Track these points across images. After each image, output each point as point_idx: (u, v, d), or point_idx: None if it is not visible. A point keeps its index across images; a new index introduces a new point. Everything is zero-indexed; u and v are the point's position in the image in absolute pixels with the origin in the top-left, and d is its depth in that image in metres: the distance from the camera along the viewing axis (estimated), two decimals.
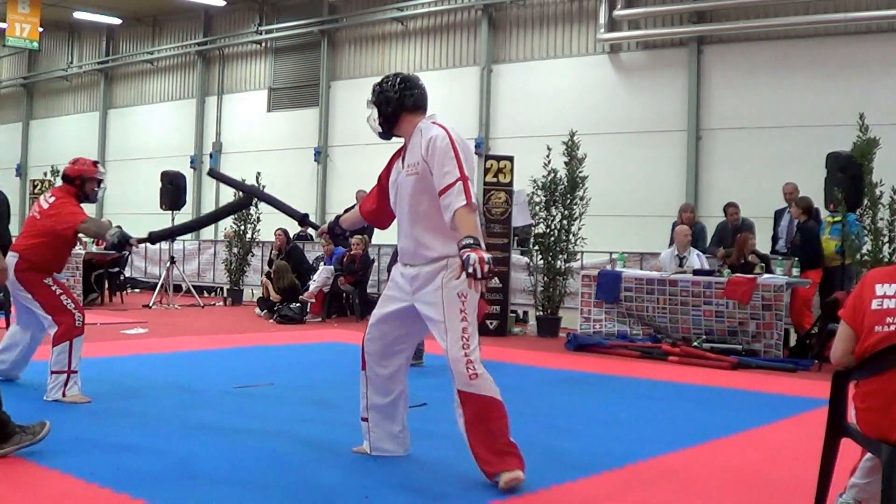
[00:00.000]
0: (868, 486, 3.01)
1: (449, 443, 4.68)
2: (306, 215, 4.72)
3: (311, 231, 4.34)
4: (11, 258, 5.44)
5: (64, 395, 5.29)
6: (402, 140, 4.09)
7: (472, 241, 3.52)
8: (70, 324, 5.37)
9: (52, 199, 5.54)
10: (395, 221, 4.11)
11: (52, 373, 5.31)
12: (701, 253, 9.91)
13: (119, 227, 6.65)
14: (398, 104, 3.97)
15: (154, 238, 5.63)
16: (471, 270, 3.45)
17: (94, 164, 5.72)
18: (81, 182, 5.58)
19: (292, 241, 12.65)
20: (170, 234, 6.10)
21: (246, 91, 20.01)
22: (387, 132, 4.06)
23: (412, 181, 3.83)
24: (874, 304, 2.96)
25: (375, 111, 4.05)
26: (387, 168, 4.10)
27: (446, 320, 3.73)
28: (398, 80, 4.02)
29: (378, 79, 4.23)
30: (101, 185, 5.72)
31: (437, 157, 3.72)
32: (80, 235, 7.08)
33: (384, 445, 4.17)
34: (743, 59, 13.53)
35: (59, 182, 5.78)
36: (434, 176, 3.72)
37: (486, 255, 3.48)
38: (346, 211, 4.97)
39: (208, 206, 20.50)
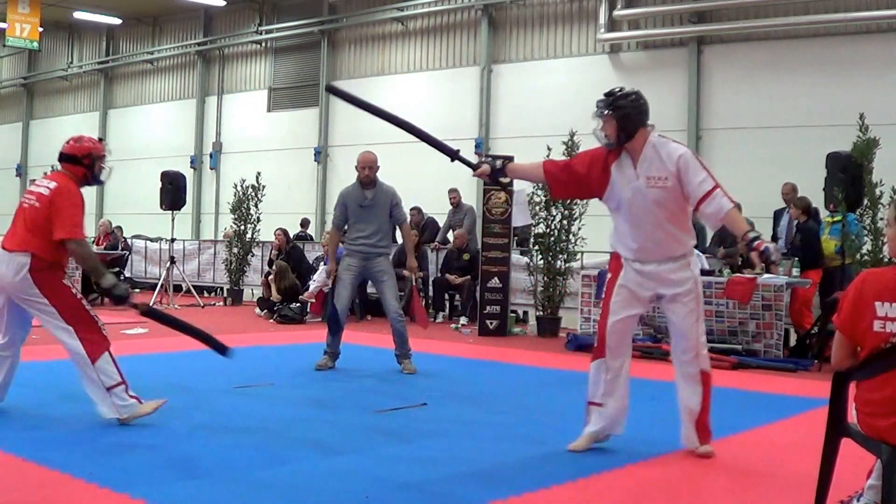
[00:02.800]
0: None
1: (449, 443, 4.68)
2: (457, 151, 4.75)
3: (465, 167, 4.32)
4: (22, 257, 4.66)
5: (140, 401, 4.81)
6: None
7: (757, 234, 4.26)
8: (99, 334, 4.77)
9: (53, 184, 4.77)
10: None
11: (109, 389, 4.69)
12: (701, 253, 9.90)
13: (116, 276, 5.86)
14: (639, 120, 4.37)
15: (150, 314, 4.97)
16: (774, 258, 4.16)
17: (100, 140, 5.09)
18: (91, 161, 4.92)
19: (292, 241, 12.65)
20: (169, 322, 5.13)
21: (246, 91, 20.01)
22: (620, 143, 4.39)
23: (658, 193, 4.33)
24: (876, 326, 2.93)
25: (608, 123, 4.37)
26: (607, 163, 4.43)
27: (697, 308, 4.50)
28: (636, 96, 4.41)
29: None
30: (108, 165, 5.09)
31: (690, 171, 4.28)
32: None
33: (615, 429, 4.56)
34: (743, 59, 13.53)
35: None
36: (690, 186, 4.28)
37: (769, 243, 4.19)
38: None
39: (208, 206, 20.52)
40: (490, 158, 4.75)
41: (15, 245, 4.71)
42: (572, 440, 4.56)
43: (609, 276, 4.61)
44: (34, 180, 5.18)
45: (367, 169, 7.31)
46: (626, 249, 4.50)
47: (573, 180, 4.57)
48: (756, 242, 4.15)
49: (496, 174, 4.66)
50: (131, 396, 4.77)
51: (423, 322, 7.95)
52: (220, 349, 5.02)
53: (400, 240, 9.89)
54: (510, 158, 4.78)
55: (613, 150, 4.43)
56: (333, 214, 7.57)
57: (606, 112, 4.36)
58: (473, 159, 4.85)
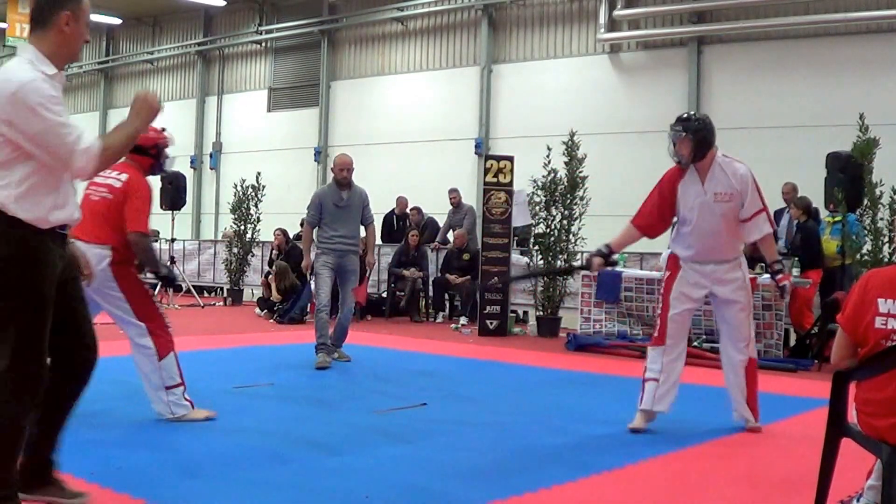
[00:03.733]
0: None
1: (449, 442, 4.68)
2: (577, 268, 5.61)
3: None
4: (102, 250, 4.66)
5: (193, 406, 4.88)
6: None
7: (780, 267, 5.11)
8: (167, 332, 4.82)
9: (125, 176, 4.78)
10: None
11: (168, 388, 4.78)
12: (767, 268, 9.90)
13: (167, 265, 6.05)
14: (711, 141, 4.93)
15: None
16: (786, 296, 5.39)
17: (163, 129, 5.06)
18: (158, 151, 4.94)
19: (292, 241, 12.66)
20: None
21: (246, 91, 20.01)
22: (693, 162, 4.95)
23: (724, 207, 4.89)
24: (878, 323, 2.94)
25: (684, 143, 4.91)
26: (671, 191, 5.03)
27: (747, 305, 5.03)
28: (708, 120, 5.00)
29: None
30: (171, 155, 5.10)
31: (749, 190, 4.90)
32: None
33: (661, 405, 4.98)
34: (743, 59, 13.53)
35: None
36: (745, 203, 4.87)
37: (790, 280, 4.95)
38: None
39: (208, 206, 20.53)
40: (597, 251, 5.18)
41: (94, 237, 4.65)
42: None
43: (668, 273, 5.14)
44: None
45: (346, 171, 7.61)
46: (686, 252, 5.04)
47: (660, 220, 5.13)
48: (779, 276, 5.03)
49: (608, 260, 5.17)
50: (186, 399, 4.86)
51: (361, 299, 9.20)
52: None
53: (399, 241, 9.93)
54: (607, 246, 5.21)
55: (677, 171, 5.02)
56: (308, 213, 7.80)
57: (683, 134, 4.89)
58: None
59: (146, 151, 4.87)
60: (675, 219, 5.12)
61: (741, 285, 5.01)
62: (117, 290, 4.75)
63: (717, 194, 4.89)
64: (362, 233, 7.99)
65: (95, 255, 4.60)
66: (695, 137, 4.88)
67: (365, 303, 11.04)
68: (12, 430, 3.00)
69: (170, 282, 4.81)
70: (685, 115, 5.05)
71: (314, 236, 7.94)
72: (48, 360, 3.11)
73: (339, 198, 7.56)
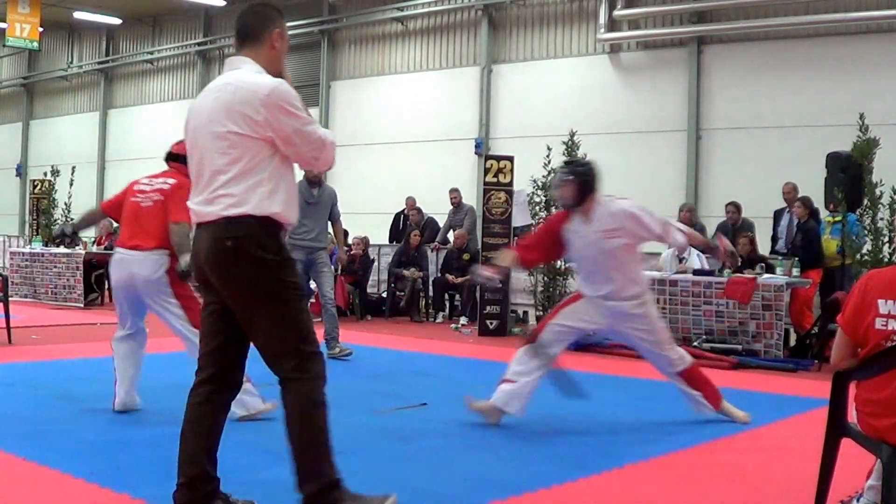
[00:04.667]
0: None
1: (449, 442, 4.68)
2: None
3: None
4: (160, 256, 4.88)
5: (264, 400, 4.93)
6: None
7: (715, 243, 5.39)
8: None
9: (172, 181, 4.97)
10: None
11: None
12: (701, 253, 9.90)
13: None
14: (594, 184, 5.10)
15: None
16: (735, 255, 5.30)
17: None
18: None
19: None
20: None
21: None
22: (577, 205, 5.08)
23: (615, 242, 4.99)
24: (878, 324, 2.94)
25: (564, 188, 5.09)
26: (557, 230, 5.20)
27: (654, 331, 5.18)
28: (592, 165, 5.21)
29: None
30: None
31: (640, 218, 5.06)
32: (80, 235, 6.74)
33: (512, 406, 5.04)
34: (743, 59, 13.52)
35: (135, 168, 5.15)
36: (647, 232, 5.07)
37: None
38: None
39: None
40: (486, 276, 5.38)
41: (151, 243, 4.86)
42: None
43: (575, 294, 5.33)
44: (140, 180, 5.27)
45: None
46: (588, 289, 5.17)
47: (542, 253, 5.45)
48: (717, 247, 5.26)
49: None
50: (257, 393, 4.88)
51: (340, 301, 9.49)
52: None
53: (402, 241, 9.95)
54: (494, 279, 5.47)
55: (564, 215, 5.20)
56: None
57: (570, 177, 5.06)
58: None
59: (187, 161, 4.92)
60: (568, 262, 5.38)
61: (645, 323, 5.14)
62: (173, 297, 4.91)
63: (606, 231, 5.01)
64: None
65: (153, 262, 4.84)
66: (577, 181, 5.04)
67: (345, 305, 11.18)
68: (325, 410, 3.19)
69: (184, 275, 4.81)
70: (571, 160, 5.49)
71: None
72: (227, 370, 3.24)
73: (310, 195, 7.77)
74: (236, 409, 4.71)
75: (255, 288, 3.06)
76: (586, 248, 5.09)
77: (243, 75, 3.16)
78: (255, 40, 3.28)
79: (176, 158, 5.04)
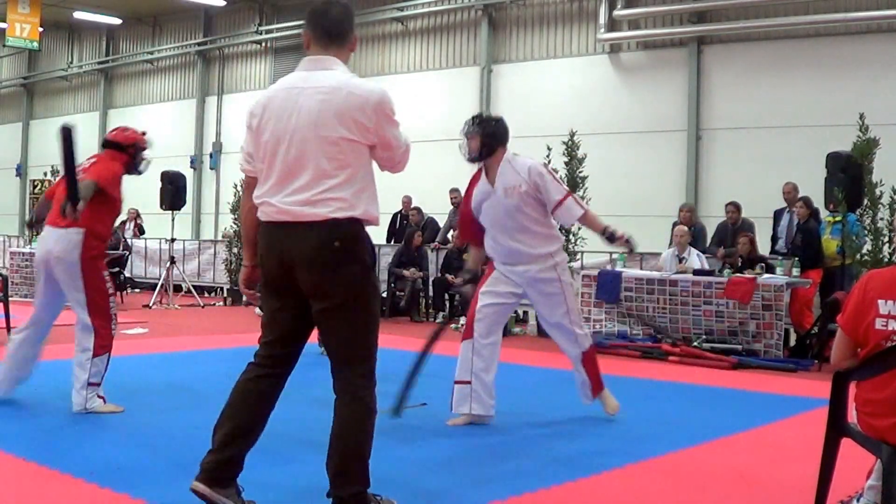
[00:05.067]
0: None
1: (449, 443, 4.68)
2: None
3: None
4: (75, 235, 4.79)
5: (105, 401, 5.01)
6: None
7: (613, 229, 5.03)
8: (110, 333, 5.01)
9: (94, 159, 4.98)
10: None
11: (90, 385, 4.95)
12: (701, 253, 9.91)
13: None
14: (500, 138, 5.05)
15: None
16: (632, 246, 5.04)
17: (143, 132, 5.25)
18: (135, 151, 5.08)
19: None
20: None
21: (246, 91, 19.99)
22: (481, 158, 5.04)
23: (516, 200, 4.92)
24: (878, 324, 2.94)
25: (472, 140, 5.02)
26: (468, 198, 5.17)
27: (566, 299, 5.07)
28: (499, 120, 5.15)
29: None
30: (147, 157, 5.23)
31: (544, 179, 4.94)
32: None
33: (482, 410, 5.03)
34: (743, 59, 13.53)
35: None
36: (546, 195, 4.92)
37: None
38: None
39: (208, 206, 20.52)
40: (466, 280, 5.47)
41: (61, 221, 4.74)
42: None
43: (486, 271, 5.21)
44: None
45: None
46: (496, 255, 5.10)
47: (475, 219, 5.18)
48: (618, 233, 4.99)
49: (477, 278, 5.32)
50: (99, 396, 5.03)
51: None
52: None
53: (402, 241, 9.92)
54: (470, 271, 5.50)
55: (475, 176, 5.13)
56: None
57: (474, 130, 5.01)
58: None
59: (125, 149, 5.02)
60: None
61: (557, 287, 5.04)
62: (79, 280, 4.87)
63: (507, 188, 4.95)
64: None
65: (69, 242, 4.78)
66: (483, 132, 4.99)
67: None
68: (375, 420, 3.27)
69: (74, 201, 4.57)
70: (479, 114, 5.25)
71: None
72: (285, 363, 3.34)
73: None
74: (80, 403, 4.92)
75: (354, 289, 3.12)
76: (491, 207, 5.02)
77: (351, 80, 3.18)
78: (343, 40, 3.26)
79: (112, 146, 5.05)
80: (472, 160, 5.09)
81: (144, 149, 5.15)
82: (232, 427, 3.20)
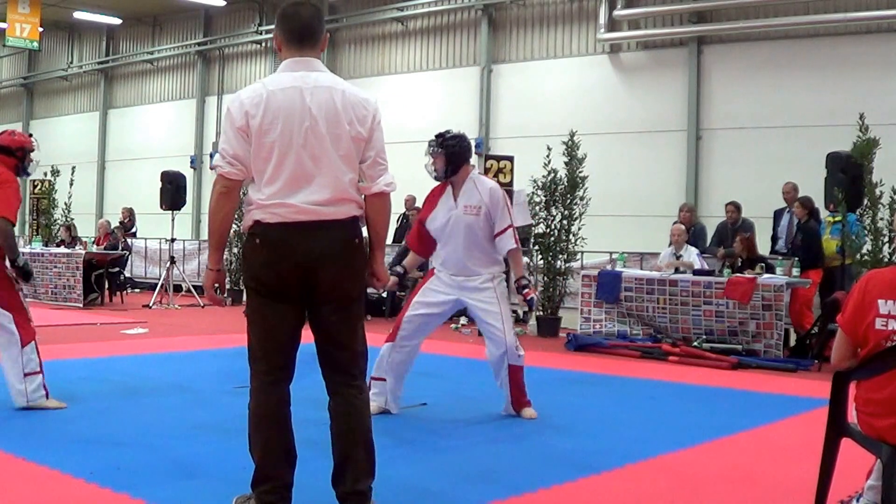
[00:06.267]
0: None
1: (449, 443, 4.68)
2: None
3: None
4: None
5: (47, 396, 5.05)
6: None
7: (527, 282, 5.44)
8: (29, 323, 5.02)
9: None
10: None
11: (27, 375, 4.96)
12: (700, 253, 9.91)
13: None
14: (463, 157, 5.26)
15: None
16: (532, 308, 5.50)
17: (30, 134, 5.38)
18: (24, 154, 5.21)
19: None
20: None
21: None
22: (447, 176, 5.26)
23: (472, 219, 5.19)
24: (878, 324, 2.94)
25: (436, 159, 5.23)
26: (427, 209, 5.36)
27: (502, 313, 5.24)
28: (462, 137, 5.29)
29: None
30: (35, 159, 5.35)
31: (498, 206, 5.20)
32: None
33: (392, 406, 5.31)
34: (743, 59, 13.53)
35: None
36: (495, 219, 5.18)
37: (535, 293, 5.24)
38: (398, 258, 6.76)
39: (208, 206, 20.50)
40: (393, 272, 5.39)
41: None
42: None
43: (422, 280, 5.45)
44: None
45: None
46: (445, 266, 5.31)
47: (426, 231, 5.36)
48: (525, 290, 5.36)
49: (401, 278, 5.56)
50: (44, 388, 5.03)
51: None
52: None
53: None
54: (402, 267, 5.57)
55: (439, 188, 5.35)
56: None
57: (439, 150, 5.20)
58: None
59: (13, 153, 5.12)
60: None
61: (491, 297, 5.23)
62: None
63: (467, 207, 5.20)
64: None
65: None
66: (447, 153, 5.19)
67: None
68: None
69: (25, 275, 4.97)
70: (443, 133, 5.31)
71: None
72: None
73: None
74: (19, 401, 4.94)
75: (362, 286, 3.22)
76: (449, 222, 5.24)
77: (340, 82, 3.19)
78: (317, 42, 3.22)
79: (1, 150, 5.09)
80: (438, 178, 5.31)
81: (32, 151, 5.27)
82: (285, 453, 3.27)
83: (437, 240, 5.33)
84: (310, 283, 3.09)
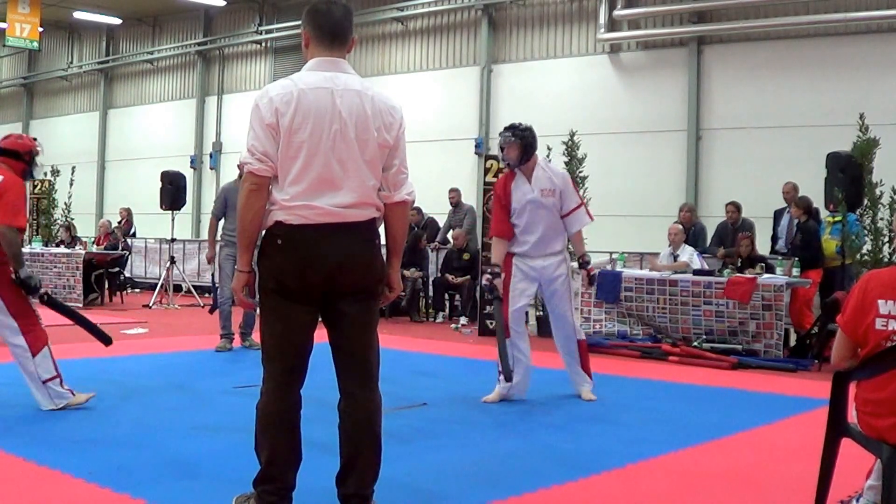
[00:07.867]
0: None
1: (449, 442, 4.68)
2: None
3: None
4: None
5: (73, 393, 5.09)
6: None
7: (589, 259, 6.15)
8: (41, 328, 5.02)
9: (0, 177, 4.93)
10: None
11: (45, 382, 4.98)
12: (701, 253, 9.90)
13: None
14: (534, 146, 5.74)
15: (50, 303, 5.26)
16: (595, 284, 6.79)
17: (34, 138, 5.39)
18: (31, 158, 5.19)
19: None
20: (63, 310, 5.45)
21: (246, 91, 19.99)
22: (520, 164, 5.72)
23: (549, 201, 5.72)
24: (878, 324, 2.94)
25: (509, 148, 5.68)
26: (506, 199, 5.76)
27: (570, 293, 5.93)
28: (532, 129, 5.74)
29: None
30: (40, 163, 5.34)
31: (568, 187, 5.83)
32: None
33: (522, 393, 5.90)
34: (743, 59, 13.52)
35: None
36: (565, 199, 5.75)
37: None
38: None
39: (208, 206, 20.51)
40: (493, 274, 5.78)
41: None
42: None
43: (505, 275, 5.77)
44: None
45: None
46: (519, 248, 5.76)
47: (507, 215, 5.77)
48: (589, 266, 6.11)
49: (498, 277, 5.78)
50: (65, 388, 5.08)
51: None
52: (103, 339, 5.48)
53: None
54: (496, 265, 5.84)
55: (507, 177, 5.79)
56: (214, 206, 8.40)
57: (512, 139, 5.64)
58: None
59: (22, 157, 5.11)
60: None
61: (565, 281, 5.85)
62: (3, 308, 4.89)
63: (543, 191, 5.70)
64: None
65: None
66: (522, 142, 5.65)
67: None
68: None
69: (29, 288, 4.89)
70: (514, 123, 5.76)
71: (219, 229, 8.33)
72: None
73: None
74: (45, 404, 4.98)
75: (381, 286, 3.25)
76: (526, 204, 5.68)
77: (369, 87, 3.18)
78: (346, 42, 3.20)
79: (9, 154, 5.07)
80: (511, 166, 5.74)
81: (38, 154, 5.27)
82: (292, 457, 3.28)
83: (515, 226, 5.74)
84: (332, 283, 3.07)
